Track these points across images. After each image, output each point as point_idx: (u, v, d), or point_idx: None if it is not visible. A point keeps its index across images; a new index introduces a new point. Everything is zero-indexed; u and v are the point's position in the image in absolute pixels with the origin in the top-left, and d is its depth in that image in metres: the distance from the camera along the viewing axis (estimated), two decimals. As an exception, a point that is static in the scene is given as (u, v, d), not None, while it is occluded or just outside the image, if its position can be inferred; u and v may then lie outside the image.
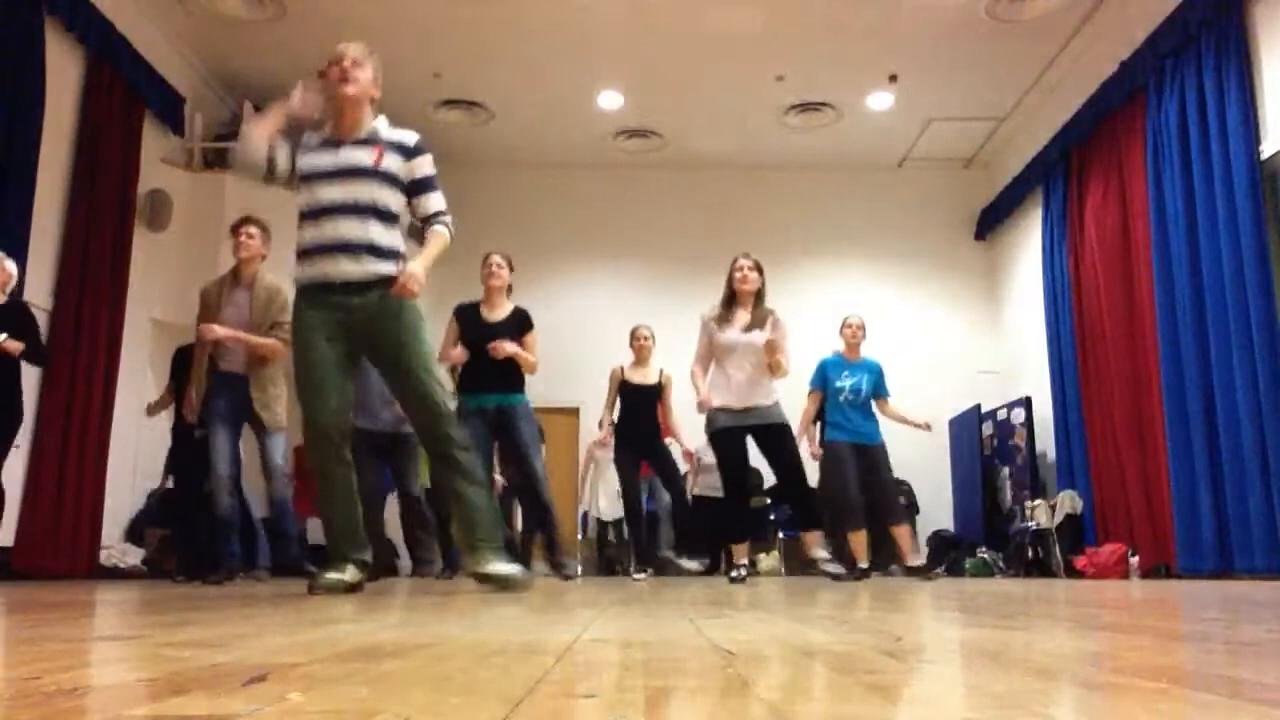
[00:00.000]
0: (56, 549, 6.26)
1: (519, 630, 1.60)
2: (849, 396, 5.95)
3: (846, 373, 6.01)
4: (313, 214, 3.28)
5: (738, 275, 5.30)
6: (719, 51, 8.51)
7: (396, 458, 5.51)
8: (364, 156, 3.29)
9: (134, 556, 6.97)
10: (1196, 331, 6.44)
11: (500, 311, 5.30)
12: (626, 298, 10.33)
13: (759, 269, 5.33)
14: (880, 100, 9.42)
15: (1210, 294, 6.30)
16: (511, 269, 5.37)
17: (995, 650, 1.21)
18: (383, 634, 1.46)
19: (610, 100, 9.50)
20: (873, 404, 6.05)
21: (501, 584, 3.20)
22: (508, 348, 5.05)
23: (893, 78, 8.99)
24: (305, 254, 3.29)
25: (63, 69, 6.58)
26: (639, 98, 9.45)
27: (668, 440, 6.40)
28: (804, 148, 10.32)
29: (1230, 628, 1.65)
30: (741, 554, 5.39)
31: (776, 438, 5.24)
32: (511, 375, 5.21)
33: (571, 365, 9.33)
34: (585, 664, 1.07)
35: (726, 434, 5.20)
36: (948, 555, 9.11)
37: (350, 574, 3.27)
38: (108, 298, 6.93)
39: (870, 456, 5.96)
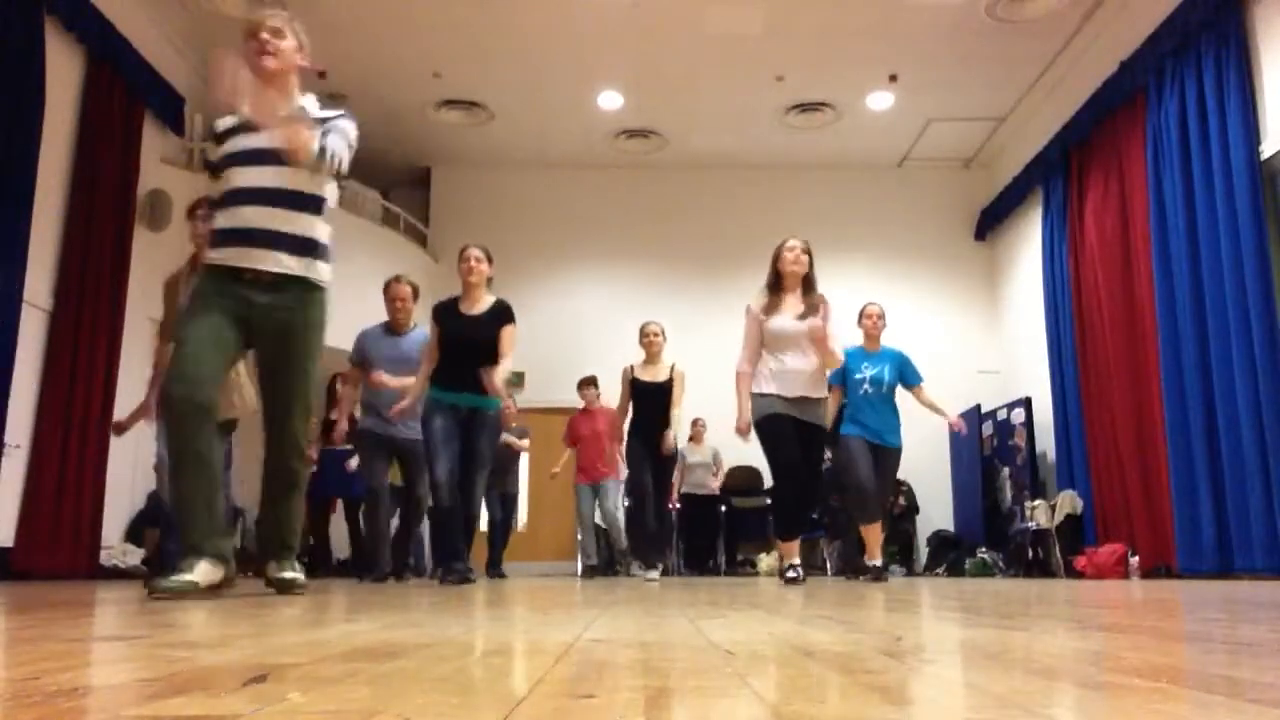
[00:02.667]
0: (56, 549, 6.26)
1: (519, 630, 1.60)
2: (869, 389, 5.65)
3: (866, 364, 5.72)
4: (227, 200, 3.03)
5: (788, 256, 4.92)
6: (719, 51, 8.51)
7: (408, 465, 5.60)
8: None
9: (134, 556, 6.96)
10: (1196, 331, 6.44)
11: (480, 305, 5.05)
12: (626, 297, 10.34)
13: (808, 253, 4.95)
14: (880, 100, 9.42)
15: (1210, 294, 6.30)
16: (490, 261, 5.14)
17: (995, 650, 1.21)
18: (383, 634, 1.46)
19: (610, 100, 9.50)
20: (895, 394, 5.75)
21: (290, 587, 3.18)
22: (495, 382, 4.78)
23: (893, 78, 9.00)
24: (217, 240, 3.05)
25: (63, 69, 6.58)
26: (639, 98, 9.45)
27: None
28: (804, 148, 10.33)
29: (1230, 628, 1.65)
30: (792, 553, 4.94)
31: (809, 438, 4.85)
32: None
33: (571, 365, 9.31)
34: (585, 664, 1.07)
35: (778, 420, 4.77)
36: (948, 555, 9.11)
37: (201, 572, 2.84)
38: (108, 298, 6.93)
39: (882, 457, 5.69)
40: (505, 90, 9.28)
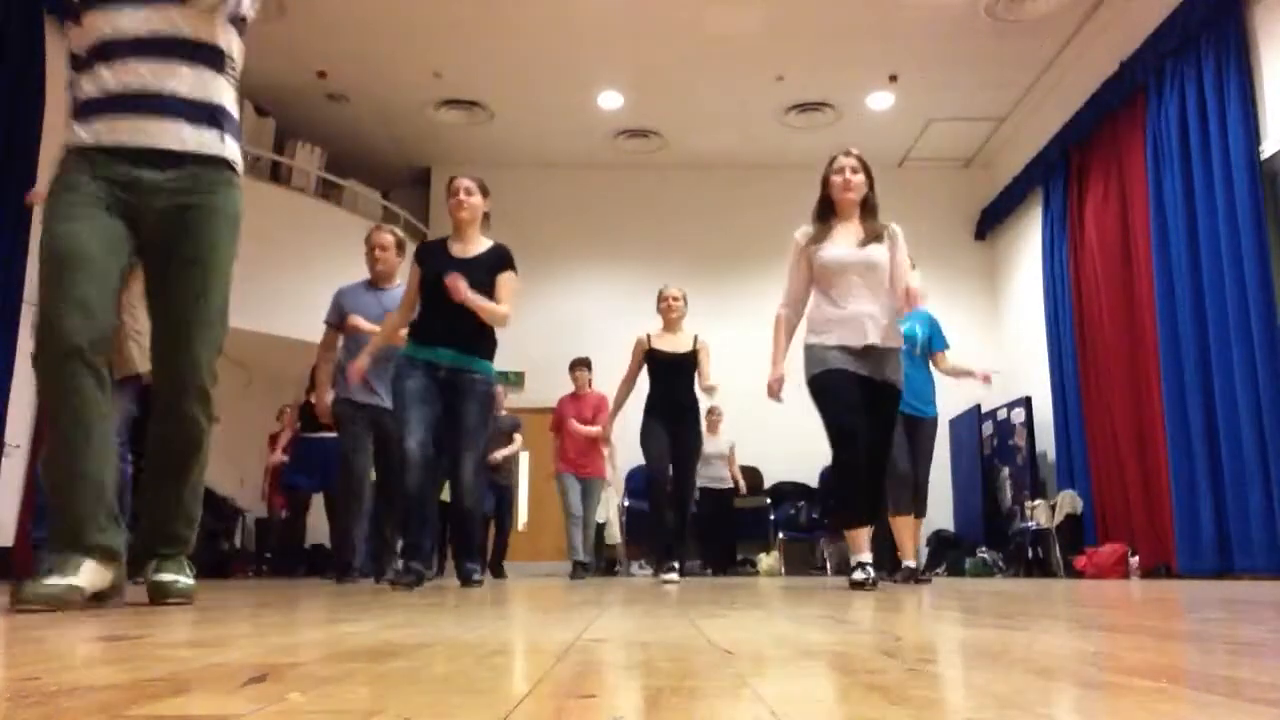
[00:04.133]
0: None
1: (519, 630, 1.60)
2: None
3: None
4: (98, 54, 2.30)
5: (837, 180, 3.92)
6: (719, 51, 8.51)
7: (382, 439, 4.79)
8: None
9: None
10: (1196, 331, 6.45)
11: (474, 246, 4.22)
12: (625, 298, 10.34)
13: (866, 169, 3.96)
14: (880, 100, 9.42)
15: (1210, 294, 6.30)
16: (486, 194, 4.30)
17: (995, 650, 1.21)
18: (383, 634, 1.46)
19: (610, 100, 9.51)
20: (929, 362, 5.07)
21: (170, 593, 2.31)
22: (466, 291, 3.95)
23: (893, 78, 9.00)
24: (87, 110, 2.30)
25: (62, 69, 6.57)
26: (639, 98, 9.46)
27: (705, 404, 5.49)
28: (804, 148, 10.31)
29: (1230, 628, 1.65)
30: (862, 544, 3.80)
31: (880, 402, 3.79)
32: (477, 330, 4.13)
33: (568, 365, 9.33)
34: (585, 664, 1.07)
35: (838, 376, 3.72)
36: (948, 555, 9.11)
37: (87, 575, 2.13)
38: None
39: (915, 430, 5.00)
40: (505, 90, 9.28)
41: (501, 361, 4.65)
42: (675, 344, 5.52)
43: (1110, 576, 6.92)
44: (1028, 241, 9.74)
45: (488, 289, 4.10)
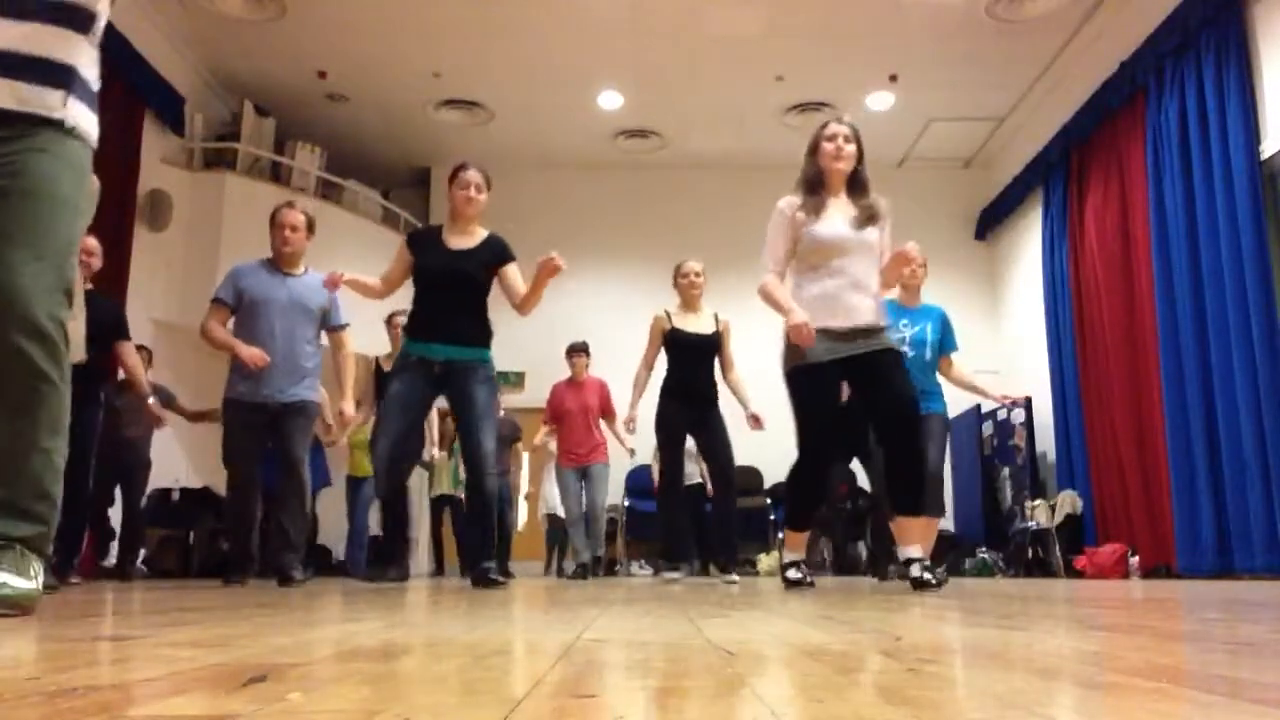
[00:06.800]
0: (57, 549, 6.25)
1: (519, 630, 1.60)
2: (908, 351, 4.46)
3: (905, 320, 4.69)
4: None
5: (828, 147, 3.71)
6: (719, 51, 8.52)
7: (283, 429, 4.53)
8: None
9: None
10: (1196, 331, 6.45)
11: (471, 239, 4.20)
12: (625, 297, 10.34)
13: (858, 141, 3.75)
14: (880, 100, 9.42)
15: (1210, 294, 6.31)
16: (489, 188, 4.37)
17: (995, 650, 1.21)
18: (383, 634, 1.46)
19: (610, 100, 9.51)
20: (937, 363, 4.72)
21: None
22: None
23: (893, 78, 9.00)
24: None
25: None
26: (639, 98, 9.46)
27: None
28: (804, 148, 10.31)
29: (1230, 628, 1.65)
30: (798, 546, 3.81)
31: (886, 368, 3.49)
32: (472, 321, 4.08)
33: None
34: (585, 664, 1.07)
35: (818, 372, 3.48)
36: (947, 555, 9.11)
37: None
38: (108, 297, 6.92)
39: (924, 425, 4.37)
40: (505, 90, 9.28)
41: (501, 362, 4.65)
42: (697, 324, 5.23)
43: (1110, 576, 6.92)
44: (1028, 241, 9.74)
45: (482, 282, 4.12)
